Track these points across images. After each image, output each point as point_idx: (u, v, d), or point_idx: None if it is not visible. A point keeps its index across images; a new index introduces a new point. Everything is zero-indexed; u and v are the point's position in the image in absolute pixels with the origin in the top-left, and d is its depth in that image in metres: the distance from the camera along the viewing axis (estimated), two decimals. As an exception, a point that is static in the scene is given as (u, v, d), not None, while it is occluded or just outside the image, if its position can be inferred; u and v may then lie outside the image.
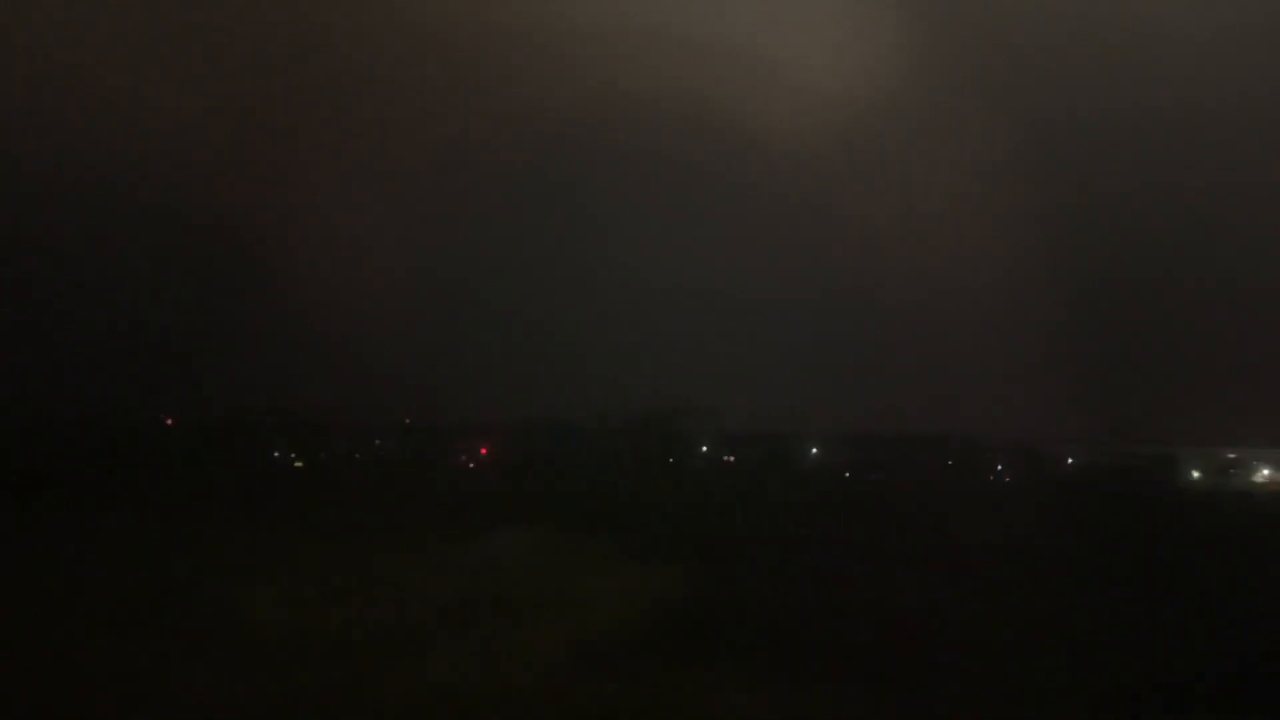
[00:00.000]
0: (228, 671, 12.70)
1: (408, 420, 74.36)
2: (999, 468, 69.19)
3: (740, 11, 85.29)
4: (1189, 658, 14.45)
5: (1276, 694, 13.48)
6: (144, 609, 15.53)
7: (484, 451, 73.58)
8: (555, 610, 16.33)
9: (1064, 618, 17.24)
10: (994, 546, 23.98)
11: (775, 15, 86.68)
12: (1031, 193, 66.47)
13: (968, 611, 17.28)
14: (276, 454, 57.41)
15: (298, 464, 55.61)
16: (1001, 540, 24.99)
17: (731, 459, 75.77)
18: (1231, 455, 75.44)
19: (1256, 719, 13.16)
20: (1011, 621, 16.69)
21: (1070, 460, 68.83)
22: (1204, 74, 64.89)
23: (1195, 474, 70.03)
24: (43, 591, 16.69)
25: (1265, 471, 74.15)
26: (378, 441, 66.61)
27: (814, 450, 73.04)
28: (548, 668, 13.26)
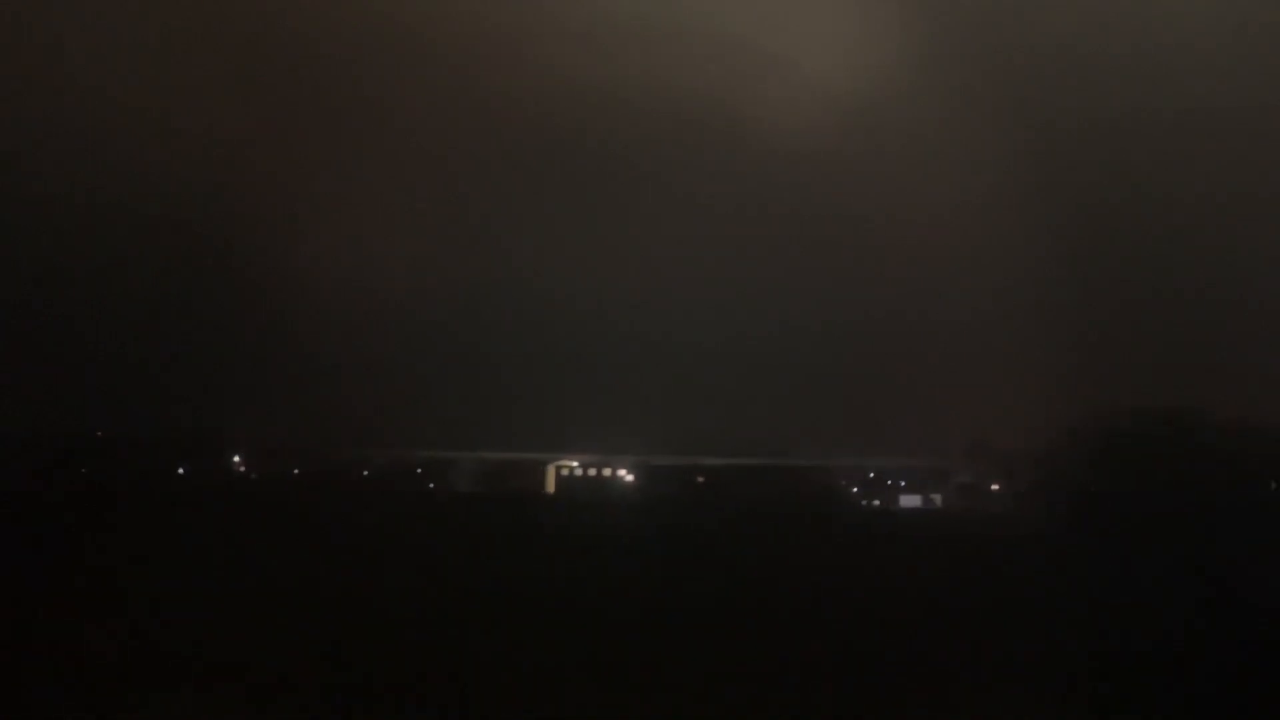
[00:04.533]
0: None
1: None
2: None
3: (744, 7, 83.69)
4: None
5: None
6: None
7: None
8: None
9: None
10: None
11: (779, 11, 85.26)
12: (1039, 197, 64.97)
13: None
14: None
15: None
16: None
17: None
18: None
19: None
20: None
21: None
22: (1216, 78, 63.55)
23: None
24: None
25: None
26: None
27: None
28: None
